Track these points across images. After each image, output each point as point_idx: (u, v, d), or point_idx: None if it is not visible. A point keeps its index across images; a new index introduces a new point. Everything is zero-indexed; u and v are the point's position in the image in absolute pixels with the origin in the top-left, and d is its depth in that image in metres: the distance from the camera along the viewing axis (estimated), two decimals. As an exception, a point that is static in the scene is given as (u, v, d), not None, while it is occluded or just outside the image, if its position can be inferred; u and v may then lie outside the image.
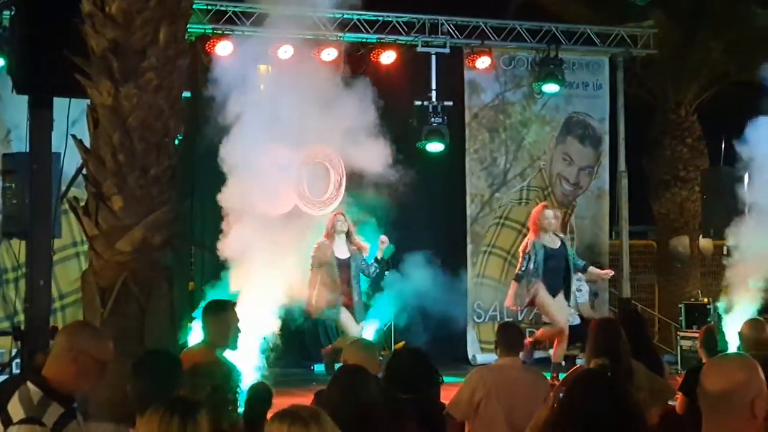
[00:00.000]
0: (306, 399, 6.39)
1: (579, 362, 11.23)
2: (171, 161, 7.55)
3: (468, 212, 15.95)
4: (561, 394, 4.52)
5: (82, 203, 7.58)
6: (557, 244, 13.11)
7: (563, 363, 12.88)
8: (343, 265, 12.85)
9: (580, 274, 13.83)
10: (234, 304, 7.45)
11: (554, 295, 12.98)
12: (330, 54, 14.34)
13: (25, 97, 7.54)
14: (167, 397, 4.25)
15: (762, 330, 8.24)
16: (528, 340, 12.52)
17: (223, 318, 7.02)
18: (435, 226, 15.63)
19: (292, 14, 12.45)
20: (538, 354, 14.32)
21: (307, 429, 3.63)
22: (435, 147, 15.18)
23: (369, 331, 13.03)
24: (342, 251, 12.91)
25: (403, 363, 6.44)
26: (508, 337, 7.42)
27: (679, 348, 14.68)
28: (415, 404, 5.96)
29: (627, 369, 6.72)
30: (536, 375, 7.45)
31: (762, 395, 3.61)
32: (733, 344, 9.67)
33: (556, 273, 12.98)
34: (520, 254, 13.19)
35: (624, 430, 4.03)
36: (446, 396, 6.86)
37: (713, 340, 8.66)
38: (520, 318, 14.50)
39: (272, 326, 11.15)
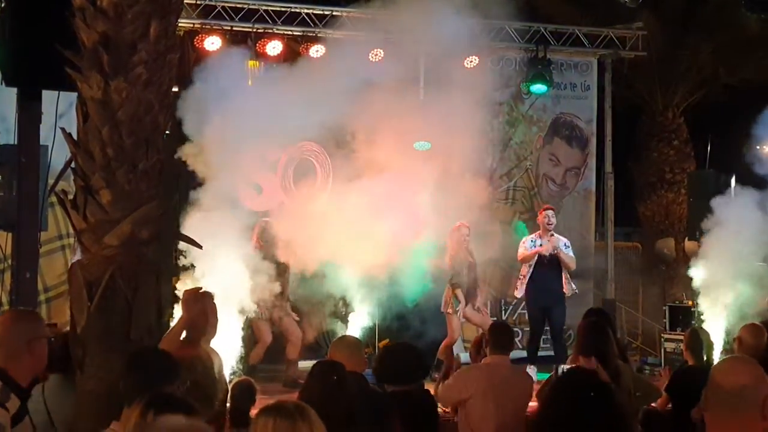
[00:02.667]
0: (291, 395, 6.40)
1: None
2: (160, 156, 7.54)
3: (453, 212, 15.92)
4: (546, 394, 4.53)
5: (71, 196, 7.57)
6: (469, 258, 13.87)
7: None
8: None
9: None
10: (211, 294, 7.45)
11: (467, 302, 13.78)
12: (318, 51, 14.31)
13: (13, 90, 7.53)
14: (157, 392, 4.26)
15: (761, 335, 8.24)
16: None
17: (200, 309, 7.03)
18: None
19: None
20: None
21: (293, 422, 3.64)
22: (422, 145, 15.12)
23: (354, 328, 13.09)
24: None
25: (395, 357, 6.49)
26: (499, 336, 7.45)
27: (662, 350, 14.72)
28: (405, 396, 6.01)
29: (614, 370, 6.75)
30: (525, 374, 7.49)
31: None
32: (717, 346, 9.72)
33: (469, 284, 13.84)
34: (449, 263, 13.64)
35: (609, 431, 4.05)
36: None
37: (698, 341, 8.70)
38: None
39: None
